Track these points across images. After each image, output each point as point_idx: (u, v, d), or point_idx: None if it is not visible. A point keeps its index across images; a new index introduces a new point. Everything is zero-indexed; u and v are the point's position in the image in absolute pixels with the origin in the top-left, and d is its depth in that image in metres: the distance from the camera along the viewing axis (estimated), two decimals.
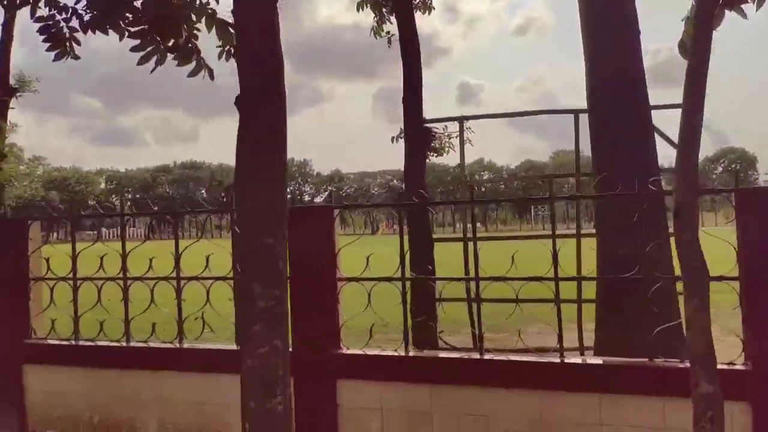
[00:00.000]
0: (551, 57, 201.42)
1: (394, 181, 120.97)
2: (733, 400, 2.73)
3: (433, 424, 3.40)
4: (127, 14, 3.18)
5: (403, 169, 8.25)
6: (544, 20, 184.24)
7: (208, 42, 3.44)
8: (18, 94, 11.00)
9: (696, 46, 2.05)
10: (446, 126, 8.51)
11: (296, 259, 3.56)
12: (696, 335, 1.99)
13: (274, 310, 2.10)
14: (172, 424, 3.97)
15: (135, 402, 4.06)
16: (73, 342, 4.28)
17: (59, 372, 4.28)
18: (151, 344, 4.18)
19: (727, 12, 2.33)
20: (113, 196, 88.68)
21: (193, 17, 3.31)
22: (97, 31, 3.27)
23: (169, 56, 3.30)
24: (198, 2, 3.27)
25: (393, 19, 8.72)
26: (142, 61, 3.21)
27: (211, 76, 3.41)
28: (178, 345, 4.07)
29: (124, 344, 4.19)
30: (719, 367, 2.89)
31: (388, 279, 3.71)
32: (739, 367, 3.04)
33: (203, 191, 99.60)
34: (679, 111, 2.08)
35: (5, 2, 4.08)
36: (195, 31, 3.34)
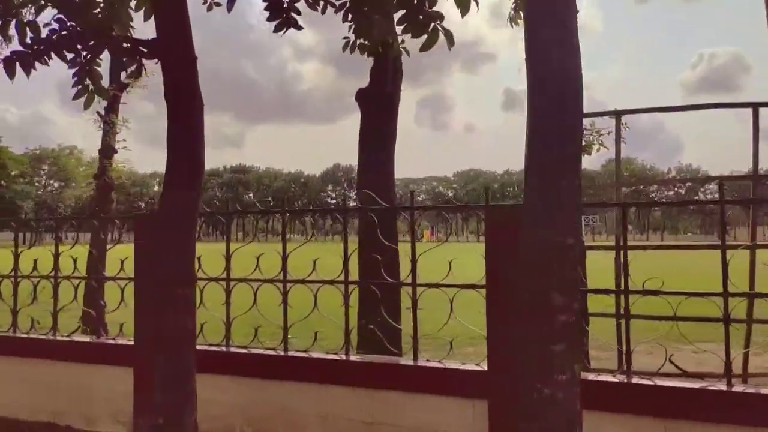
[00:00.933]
0: (598, 63, 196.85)
1: (440, 188, 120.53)
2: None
3: None
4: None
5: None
6: (593, 25, 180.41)
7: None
8: (128, 89, 10.89)
9: None
10: (594, 122, 7.93)
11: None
12: None
13: (574, 327, 1.81)
14: None
15: (296, 417, 3.73)
16: (224, 348, 4.04)
17: (206, 379, 3.84)
18: (313, 354, 3.86)
19: None
20: None
21: None
22: None
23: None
24: None
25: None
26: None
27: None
28: (344, 357, 3.74)
29: (281, 353, 3.88)
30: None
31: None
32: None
33: (251, 194, 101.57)
34: None
35: None
36: None
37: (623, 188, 8.15)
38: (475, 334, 3.71)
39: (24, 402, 4.55)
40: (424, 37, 3.69)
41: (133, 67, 3.69)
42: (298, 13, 3.87)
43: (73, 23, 3.30)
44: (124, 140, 11.10)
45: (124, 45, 3.45)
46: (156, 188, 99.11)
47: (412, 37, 3.70)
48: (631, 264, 3.29)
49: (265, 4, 3.81)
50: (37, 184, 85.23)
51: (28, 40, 3.33)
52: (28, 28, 3.40)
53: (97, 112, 10.48)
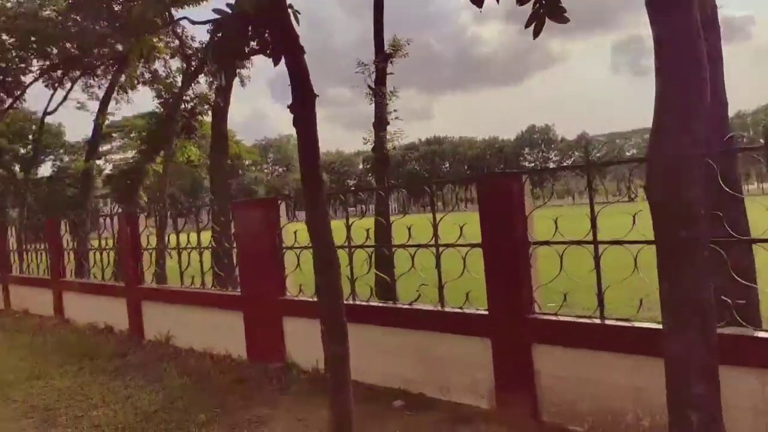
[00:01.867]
0: None
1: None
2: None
3: None
4: None
5: None
6: None
7: None
8: (391, 59, 11.23)
9: None
10: None
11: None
12: None
13: None
14: None
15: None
16: (598, 321, 3.70)
17: (580, 356, 3.69)
18: (635, 324, 3.53)
19: None
20: (370, 174, 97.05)
21: None
22: None
23: None
24: None
25: None
26: None
27: None
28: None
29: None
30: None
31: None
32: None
33: (447, 165, 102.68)
34: None
35: None
36: None
37: None
38: None
39: (377, 369, 4.77)
40: None
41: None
42: None
43: None
44: (395, 110, 11.40)
45: None
46: (360, 166, 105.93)
47: None
48: None
49: None
50: (265, 170, 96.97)
51: None
52: None
53: (368, 86, 10.95)
